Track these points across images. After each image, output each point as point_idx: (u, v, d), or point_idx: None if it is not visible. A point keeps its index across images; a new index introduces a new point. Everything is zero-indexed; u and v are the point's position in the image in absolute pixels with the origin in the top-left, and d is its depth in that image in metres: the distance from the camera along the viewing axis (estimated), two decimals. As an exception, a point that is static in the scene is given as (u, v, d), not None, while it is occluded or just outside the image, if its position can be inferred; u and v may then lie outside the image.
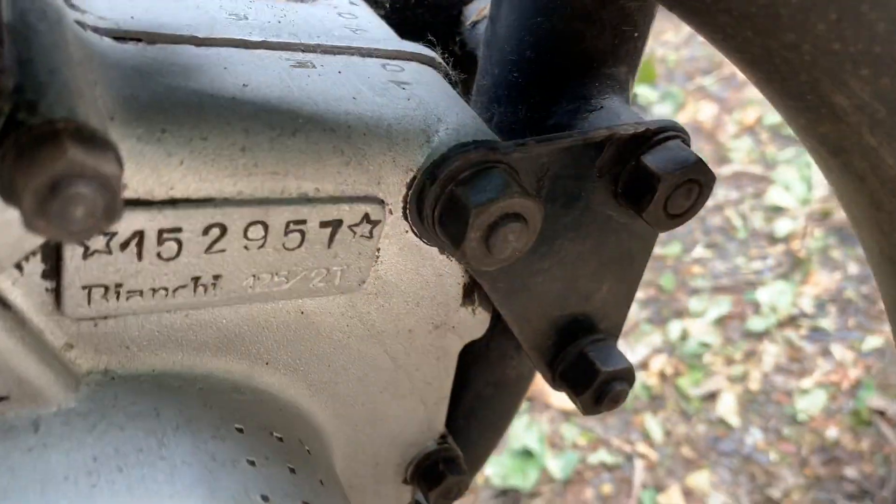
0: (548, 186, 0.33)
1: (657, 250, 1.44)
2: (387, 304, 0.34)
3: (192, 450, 0.27)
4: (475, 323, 0.38)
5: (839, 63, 0.26)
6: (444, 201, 0.30)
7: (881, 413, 1.16)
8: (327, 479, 0.33)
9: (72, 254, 0.25)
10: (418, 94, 0.32)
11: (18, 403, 0.26)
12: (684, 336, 1.32)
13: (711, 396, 1.25)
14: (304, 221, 0.29)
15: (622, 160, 0.34)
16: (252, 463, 0.28)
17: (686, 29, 1.90)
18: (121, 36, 0.29)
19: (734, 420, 1.21)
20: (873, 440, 1.15)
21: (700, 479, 1.13)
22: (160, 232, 0.26)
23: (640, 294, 1.38)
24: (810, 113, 0.28)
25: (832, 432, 1.14)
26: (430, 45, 0.36)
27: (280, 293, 0.30)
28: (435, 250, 0.33)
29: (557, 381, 0.41)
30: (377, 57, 0.34)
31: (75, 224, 0.20)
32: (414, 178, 0.31)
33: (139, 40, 0.29)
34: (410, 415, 0.39)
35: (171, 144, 0.25)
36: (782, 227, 1.42)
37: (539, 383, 1.26)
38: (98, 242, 0.25)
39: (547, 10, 0.35)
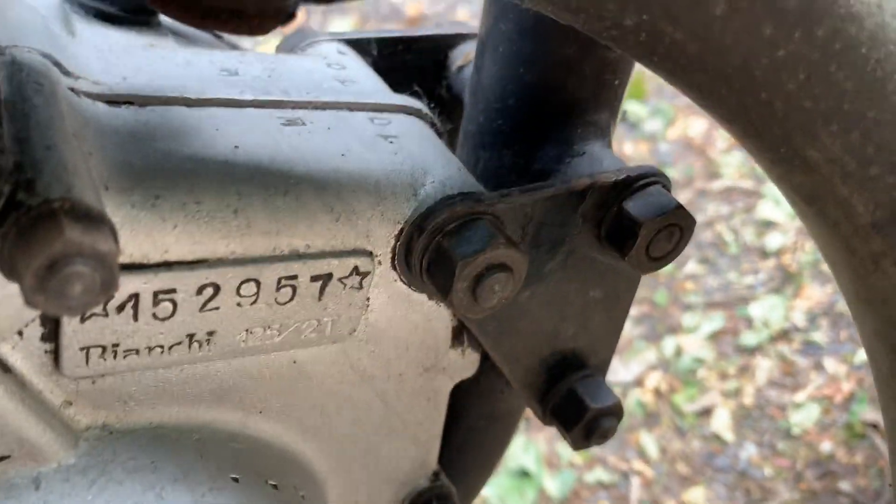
0: (532, 233, 0.34)
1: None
2: (377, 350, 0.35)
3: (190, 503, 0.28)
4: (465, 364, 0.39)
5: (810, 119, 0.27)
6: (431, 252, 0.31)
7: (874, 426, 1.16)
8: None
9: (69, 318, 0.26)
10: (406, 148, 0.33)
11: (20, 462, 0.27)
12: (678, 352, 1.32)
13: (706, 412, 1.25)
14: (295, 277, 0.29)
15: (604, 206, 0.35)
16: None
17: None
18: (114, 100, 0.29)
19: (728, 435, 1.22)
20: (867, 453, 1.16)
21: (696, 496, 1.14)
22: (155, 294, 0.27)
23: (633, 311, 1.39)
24: (785, 164, 0.29)
25: (826, 446, 1.15)
26: (417, 95, 0.37)
27: (272, 345, 0.31)
28: (423, 297, 0.34)
29: (548, 418, 0.42)
30: (366, 111, 0.35)
31: (73, 300, 0.21)
32: (402, 230, 0.31)
33: (131, 103, 0.30)
34: (403, 454, 0.40)
35: (165, 210, 0.26)
36: (773, 241, 1.44)
37: None
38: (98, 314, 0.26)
39: (529, 61, 0.36)
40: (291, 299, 0.30)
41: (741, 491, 1.11)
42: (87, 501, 0.27)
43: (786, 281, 1.37)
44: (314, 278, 0.30)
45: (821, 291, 1.39)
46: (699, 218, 1.52)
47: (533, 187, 0.33)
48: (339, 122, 0.33)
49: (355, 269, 0.31)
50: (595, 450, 1.22)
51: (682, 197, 1.57)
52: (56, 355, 0.27)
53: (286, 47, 0.42)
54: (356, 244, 0.31)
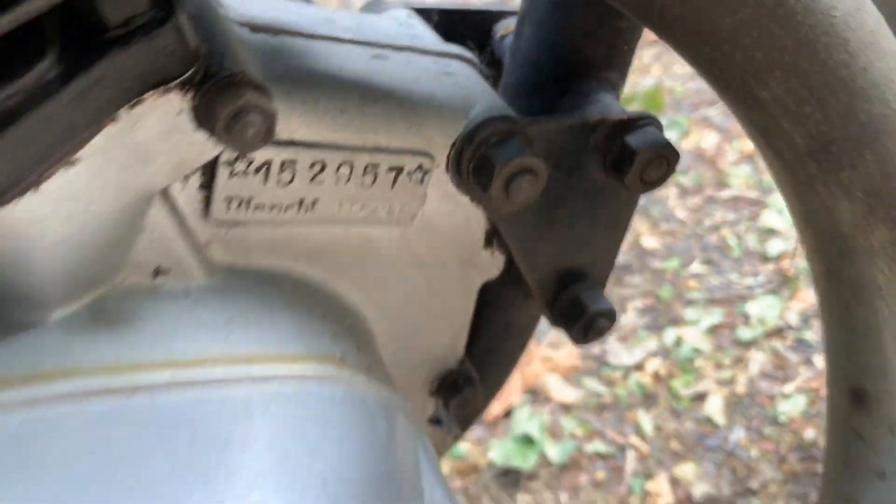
0: (555, 157, 0.45)
1: (658, 265, 1.55)
2: (429, 239, 0.45)
3: (292, 320, 0.39)
4: (493, 264, 0.49)
5: (761, 67, 0.37)
6: (477, 158, 0.42)
7: (856, 418, 1.25)
8: (378, 366, 0.44)
9: (222, 172, 0.37)
10: (460, 82, 0.43)
11: (174, 277, 0.38)
12: (678, 342, 1.41)
13: (700, 397, 1.34)
14: (377, 165, 0.40)
15: (610, 139, 0.45)
16: (336, 334, 0.39)
17: (694, 63, 2.01)
18: (254, 28, 0.40)
19: (720, 419, 1.30)
20: (848, 443, 1.24)
21: (686, 470, 1.23)
22: (282, 163, 0.38)
23: (638, 303, 1.49)
24: (744, 103, 0.39)
25: (810, 433, 1.24)
26: (469, 49, 0.48)
27: (356, 220, 0.41)
28: (467, 199, 0.45)
29: (556, 319, 0.52)
30: (430, 55, 0.45)
31: (246, 140, 0.32)
32: (455, 141, 0.42)
33: (266, 31, 0.41)
34: (440, 334, 0.50)
35: (295, 103, 0.37)
36: (774, 247, 1.53)
37: (539, 381, 1.38)
38: (240, 166, 0.37)
39: (558, 28, 0.46)
40: (373, 184, 0.41)
41: (728, 469, 1.20)
42: (223, 309, 0.37)
43: (783, 284, 1.46)
44: (390, 169, 0.41)
45: (815, 295, 1.48)
46: (706, 223, 1.62)
47: (556, 117, 0.43)
48: (412, 60, 0.44)
49: (420, 167, 0.41)
50: (595, 424, 1.31)
51: (692, 202, 1.67)
52: (207, 202, 0.38)
53: (366, 11, 0.53)
54: (422, 148, 0.41)
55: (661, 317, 1.45)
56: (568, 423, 1.30)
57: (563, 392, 1.36)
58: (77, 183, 0.31)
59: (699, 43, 0.37)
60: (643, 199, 1.64)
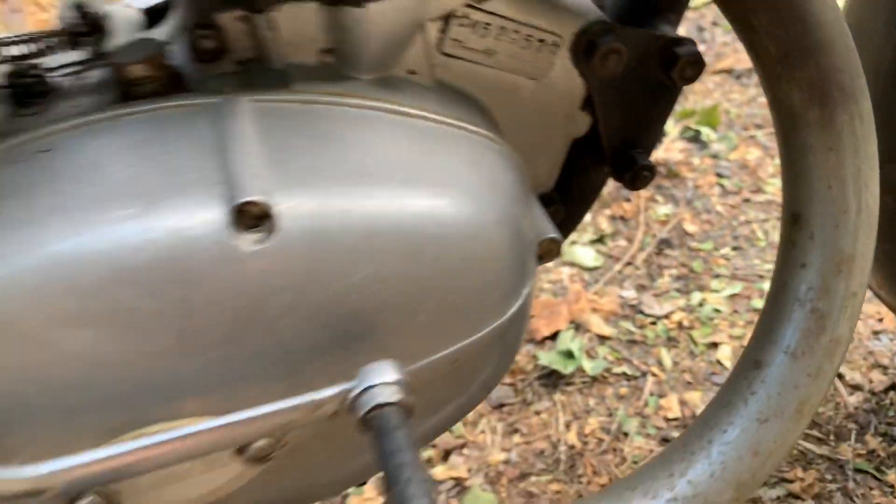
0: (632, 52, 0.75)
1: (694, 244, 1.83)
2: (548, 93, 0.76)
3: (470, 114, 0.70)
4: (583, 122, 0.79)
5: (755, 6, 0.67)
6: (586, 42, 0.73)
7: (840, 376, 1.53)
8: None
9: (452, 21, 0.68)
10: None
11: (417, 77, 0.69)
12: (702, 303, 1.69)
13: (714, 346, 1.62)
14: (531, 36, 0.71)
15: (665, 49, 0.76)
16: (492, 129, 0.71)
17: (749, 92, 2.30)
18: None
19: (727, 363, 1.59)
20: (831, 392, 1.52)
21: (694, 396, 1.51)
22: (486, 24, 0.69)
23: (674, 271, 1.78)
24: (741, 27, 0.69)
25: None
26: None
27: (512, 69, 0.73)
28: (576, 71, 0.75)
29: (615, 169, 0.82)
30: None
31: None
32: (576, 31, 0.73)
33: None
34: (542, 164, 0.80)
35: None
36: (794, 242, 1.80)
37: (584, 318, 1.71)
38: (463, 21, 0.68)
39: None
40: (525, 47, 0.72)
41: (728, 401, 1.48)
42: (436, 96, 0.68)
43: (797, 271, 1.73)
44: (538, 40, 0.72)
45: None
46: (741, 217, 1.90)
47: (637, 28, 0.74)
48: (557, -13, 0.75)
49: (554, 42, 0.73)
50: (624, 353, 1.60)
51: (730, 200, 1.95)
52: (441, 39, 0.69)
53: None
54: (557, 31, 0.72)
55: (690, 283, 1.74)
56: (602, 350, 1.59)
57: (601, 327, 1.65)
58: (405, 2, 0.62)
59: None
60: (689, 193, 1.94)
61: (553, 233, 0.69)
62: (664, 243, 1.81)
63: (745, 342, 1.75)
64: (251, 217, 0.51)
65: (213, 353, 0.53)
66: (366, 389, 0.51)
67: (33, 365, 0.51)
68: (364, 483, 1.19)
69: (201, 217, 0.51)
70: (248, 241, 0.51)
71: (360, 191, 0.55)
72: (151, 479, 0.54)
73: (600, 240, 1.84)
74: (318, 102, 0.60)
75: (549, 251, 0.69)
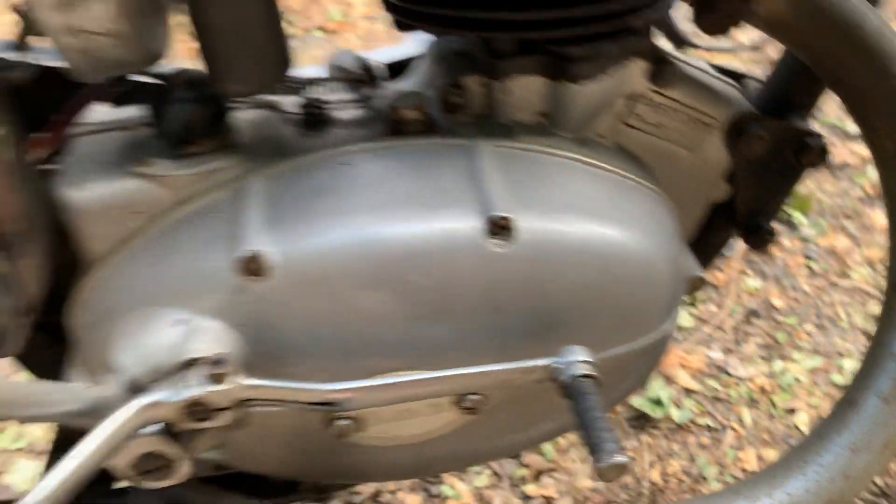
0: (773, 138, 0.93)
1: (780, 318, 1.98)
2: (701, 165, 0.93)
3: (636, 175, 0.89)
4: (723, 190, 0.97)
5: (879, 114, 0.85)
6: (737, 128, 0.91)
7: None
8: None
9: (640, 99, 0.87)
10: (732, 91, 0.93)
11: (605, 133, 0.88)
12: (783, 371, 1.83)
13: (792, 411, 1.76)
14: (695, 118, 0.90)
15: (800, 140, 0.94)
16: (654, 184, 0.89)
17: (841, 185, 2.45)
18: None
19: (804, 428, 1.72)
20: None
21: (770, 453, 1.65)
22: (659, 103, 0.88)
23: (759, 339, 1.92)
24: (865, 129, 0.87)
25: (872, 455, 1.63)
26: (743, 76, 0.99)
27: (674, 139, 0.91)
28: (725, 150, 0.93)
29: (744, 232, 0.99)
30: (717, 75, 0.96)
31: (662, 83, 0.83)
32: (728, 117, 0.91)
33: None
34: (688, 219, 0.98)
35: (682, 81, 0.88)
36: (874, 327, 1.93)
37: (673, 371, 1.89)
38: (644, 101, 0.87)
39: (792, 80, 0.96)
40: (687, 124, 0.91)
41: (803, 462, 1.61)
42: (610, 153, 0.88)
43: (877, 354, 1.86)
44: (699, 120, 0.91)
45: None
46: (825, 299, 2.04)
47: (777, 121, 0.93)
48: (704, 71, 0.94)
49: (711, 123, 0.91)
50: (708, 407, 1.74)
51: (817, 283, 2.09)
52: (630, 110, 0.88)
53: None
54: (715, 114, 0.91)
55: (774, 352, 1.88)
56: (688, 402, 1.75)
57: (688, 381, 1.80)
58: (607, 82, 0.82)
59: (854, 102, 0.85)
60: (779, 271, 2.09)
61: (699, 272, 0.87)
62: (752, 313, 1.96)
63: (822, 412, 1.88)
64: (498, 227, 0.71)
65: (455, 322, 0.72)
66: (569, 363, 0.69)
67: (333, 313, 0.71)
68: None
69: (464, 224, 0.71)
70: (494, 245, 0.71)
71: (572, 218, 0.74)
72: (390, 412, 0.73)
73: (692, 303, 2.00)
74: (537, 151, 0.80)
75: (694, 286, 0.87)
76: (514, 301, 0.73)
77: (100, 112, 0.85)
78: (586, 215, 0.75)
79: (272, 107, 0.86)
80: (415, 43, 0.98)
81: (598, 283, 0.75)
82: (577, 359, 0.69)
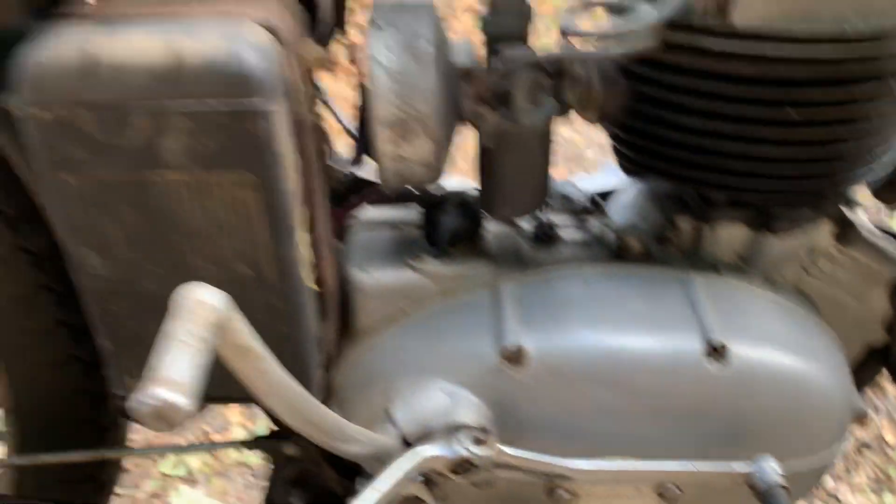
0: None
1: (891, 453, 2.04)
2: (865, 313, 1.07)
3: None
4: (881, 337, 1.10)
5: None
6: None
7: None
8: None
9: (823, 256, 1.03)
10: None
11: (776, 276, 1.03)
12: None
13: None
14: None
15: None
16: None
17: None
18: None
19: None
20: None
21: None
22: (841, 261, 1.03)
23: (870, 472, 1.99)
24: None
25: None
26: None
27: (848, 292, 1.05)
28: (888, 302, 1.07)
29: (892, 368, 1.12)
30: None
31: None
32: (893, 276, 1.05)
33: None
34: (850, 347, 1.11)
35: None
36: None
37: None
38: (828, 257, 1.02)
39: None
40: (858, 277, 1.05)
41: None
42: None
43: None
44: (872, 277, 1.05)
45: None
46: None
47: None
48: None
49: (878, 279, 1.05)
50: (819, 530, 1.81)
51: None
52: (808, 263, 1.03)
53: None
54: (883, 272, 1.05)
55: (884, 486, 1.95)
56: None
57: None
58: (800, 237, 0.98)
59: None
60: (891, 406, 2.16)
61: (864, 407, 1.01)
62: (864, 445, 2.04)
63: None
64: (715, 351, 0.87)
65: (667, 423, 0.88)
66: (765, 471, 0.83)
67: (570, 401, 0.87)
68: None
69: (686, 345, 0.87)
70: (714, 366, 0.86)
71: (773, 349, 0.90)
72: (603, 491, 0.88)
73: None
74: (738, 287, 0.96)
75: (859, 420, 1.00)
76: (718, 412, 0.88)
77: (370, 210, 1.06)
78: (784, 348, 0.90)
79: (511, 223, 1.05)
80: (612, 175, 1.17)
81: (789, 406, 0.89)
82: (773, 468, 0.83)
